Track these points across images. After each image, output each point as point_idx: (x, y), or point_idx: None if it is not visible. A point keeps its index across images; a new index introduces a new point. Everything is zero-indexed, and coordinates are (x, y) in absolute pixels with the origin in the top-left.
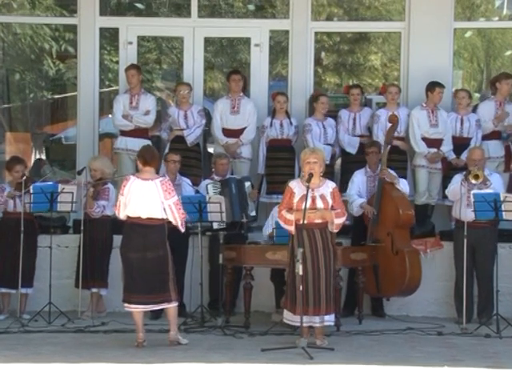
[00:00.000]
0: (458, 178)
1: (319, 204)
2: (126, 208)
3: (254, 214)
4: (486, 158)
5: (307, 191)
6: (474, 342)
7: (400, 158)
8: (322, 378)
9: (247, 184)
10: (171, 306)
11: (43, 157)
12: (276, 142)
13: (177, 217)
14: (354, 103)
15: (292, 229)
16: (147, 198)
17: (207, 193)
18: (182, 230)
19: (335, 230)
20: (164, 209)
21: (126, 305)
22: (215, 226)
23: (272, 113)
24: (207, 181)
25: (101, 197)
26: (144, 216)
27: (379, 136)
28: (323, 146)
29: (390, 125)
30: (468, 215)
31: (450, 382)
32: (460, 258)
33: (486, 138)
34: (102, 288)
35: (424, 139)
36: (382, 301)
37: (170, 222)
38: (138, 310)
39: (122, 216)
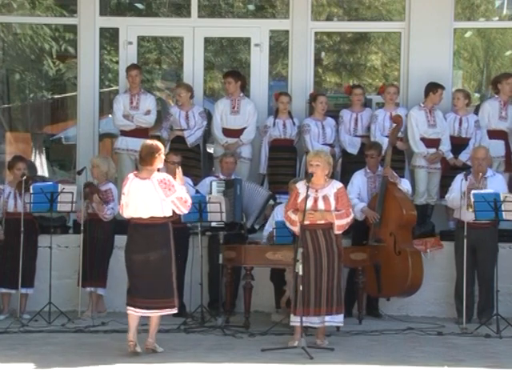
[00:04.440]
0: (457, 184)
1: (320, 205)
2: (128, 208)
3: (257, 227)
4: (489, 158)
5: (307, 191)
6: (474, 342)
7: (398, 158)
8: (322, 378)
9: (272, 202)
10: (172, 313)
11: (43, 158)
12: (278, 141)
13: (182, 210)
14: (357, 103)
15: (297, 230)
16: (146, 197)
17: (210, 189)
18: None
19: (337, 232)
20: (168, 206)
21: (130, 308)
22: (214, 223)
23: (275, 113)
24: (211, 178)
25: (107, 199)
26: (145, 216)
27: (377, 136)
28: (321, 147)
29: (395, 125)
30: (468, 215)
31: (450, 382)
32: (460, 258)
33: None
34: (99, 287)
35: (422, 139)
36: (377, 301)
37: (173, 222)
38: (139, 314)
39: (125, 215)
